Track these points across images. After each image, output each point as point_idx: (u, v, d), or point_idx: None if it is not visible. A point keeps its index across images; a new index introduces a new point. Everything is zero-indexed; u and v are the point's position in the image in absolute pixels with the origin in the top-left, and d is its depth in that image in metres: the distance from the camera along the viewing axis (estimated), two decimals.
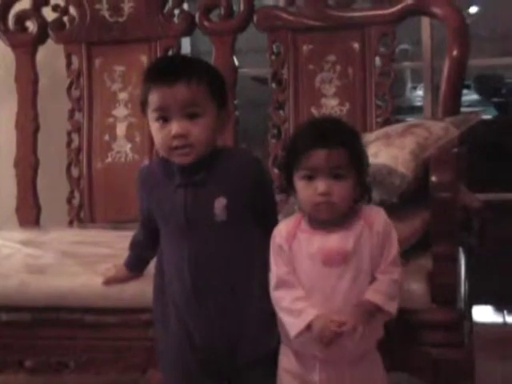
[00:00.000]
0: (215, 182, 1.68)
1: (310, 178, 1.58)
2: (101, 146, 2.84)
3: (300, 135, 1.67)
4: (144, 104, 1.70)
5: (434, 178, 1.79)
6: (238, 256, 1.71)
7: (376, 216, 1.64)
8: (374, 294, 1.59)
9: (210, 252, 1.70)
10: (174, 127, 1.63)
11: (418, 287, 1.82)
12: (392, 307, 1.61)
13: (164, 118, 1.65)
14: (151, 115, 1.68)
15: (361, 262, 1.60)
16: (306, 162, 1.58)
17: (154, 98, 1.65)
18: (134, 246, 1.95)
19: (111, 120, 2.84)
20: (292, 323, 1.62)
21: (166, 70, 1.66)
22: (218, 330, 1.72)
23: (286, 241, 1.64)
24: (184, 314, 1.74)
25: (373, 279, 1.61)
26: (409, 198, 1.94)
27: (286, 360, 1.70)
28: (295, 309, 1.61)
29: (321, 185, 1.57)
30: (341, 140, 1.59)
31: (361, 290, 1.59)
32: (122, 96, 2.83)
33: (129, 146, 2.80)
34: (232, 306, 1.72)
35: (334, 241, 1.60)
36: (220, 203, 1.67)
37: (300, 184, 1.61)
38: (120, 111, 2.82)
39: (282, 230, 1.66)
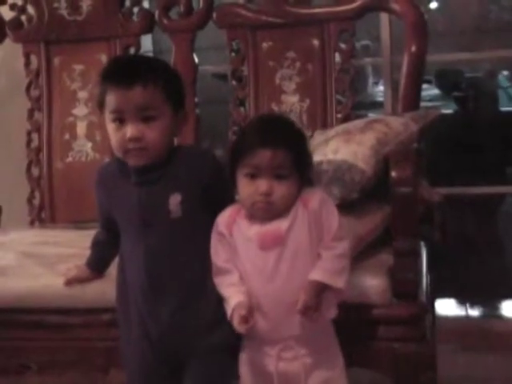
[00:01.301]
0: (169, 179, 1.68)
1: (252, 176, 1.60)
2: (61, 146, 2.81)
3: (247, 133, 1.68)
4: (101, 104, 1.70)
5: (393, 174, 1.79)
6: (194, 252, 1.70)
7: (312, 195, 1.65)
8: (318, 273, 1.60)
9: (166, 249, 1.69)
10: (129, 130, 1.63)
11: (379, 282, 1.82)
12: (339, 282, 1.61)
13: (120, 120, 1.65)
14: (108, 116, 1.67)
15: (298, 242, 1.61)
16: (249, 160, 1.59)
17: (110, 100, 1.65)
18: (96, 245, 1.93)
19: (71, 119, 2.81)
20: (226, 308, 1.65)
21: (123, 72, 1.65)
22: (173, 328, 1.72)
23: (226, 227, 1.66)
24: (142, 311, 1.74)
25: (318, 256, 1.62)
26: (369, 193, 1.94)
27: (245, 354, 1.71)
28: (227, 295, 1.65)
29: (262, 184, 1.58)
30: (286, 141, 1.60)
31: (303, 269, 1.60)
32: (82, 95, 2.80)
33: (89, 145, 2.78)
34: (188, 303, 1.71)
35: (270, 225, 1.62)
36: (175, 199, 1.67)
37: (242, 181, 1.62)
38: (80, 110, 2.80)
39: (222, 218, 1.68)
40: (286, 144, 1.59)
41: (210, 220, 1.70)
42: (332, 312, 1.66)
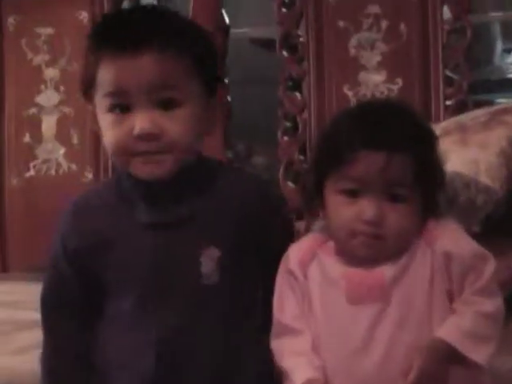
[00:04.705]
0: (203, 222, 1.65)
1: (352, 193, 1.56)
2: (17, 152, 2.88)
3: (342, 124, 1.61)
4: (89, 85, 1.65)
5: None
6: (233, 335, 1.68)
7: (441, 230, 1.60)
8: (447, 331, 1.55)
9: (190, 330, 1.65)
10: (140, 121, 1.57)
11: None
12: (479, 354, 1.55)
13: (122, 107, 1.60)
14: (101, 102, 1.62)
15: (410, 297, 1.57)
16: (349, 168, 1.54)
17: (105, 76, 1.60)
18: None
19: (33, 111, 2.87)
20: None
21: (126, 32, 1.60)
22: None
23: (300, 265, 1.63)
24: None
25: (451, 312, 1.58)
26: (498, 223, 1.96)
27: None
28: (291, 366, 1.60)
29: (368, 207, 1.54)
30: (407, 141, 1.56)
31: (412, 340, 1.55)
32: (51, 74, 2.85)
33: (62, 150, 2.83)
34: None
35: (370, 268, 1.58)
36: (210, 256, 1.63)
37: (335, 200, 1.58)
38: (47, 97, 2.86)
39: (296, 251, 1.65)
40: (408, 146, 1.55)
41: (257, 284, 1.69)
42: None
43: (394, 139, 1.52)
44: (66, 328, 1.71)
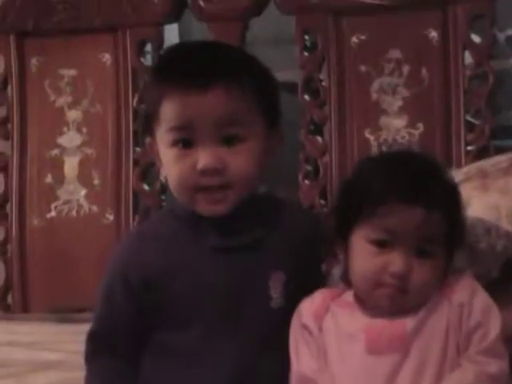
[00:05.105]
0: (269, 249, 1.65)
1: (382, 243, 1.55)
2: (39, 193, 2.88)
3: (373, 174, 1.60)
4: (150, 119, 1.66)
5: None
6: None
7: (459, 284, 1.61)
8: None
9: (264, 356, 1.64)
10: (204, 157, 1.57)
11: None
12: None
13: (185, 142, 1.60)
14: (164, 136, 1.62)
15: (427, 349, 1.56)
16: (384, 220, 1.53)
17: (170, 111, 1.60)
18: None
19: (56, 152, 2.88)
20: None
21: (194, 67, 1.60)
22: None
23: (314, 318, 1.61)
24: None
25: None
26: None
27: None
28: None
29: (398, 261, 1.53)
30: (444, 198, 1.56)
31: None
32: (73, 115, 2.86)
33: (83, 192, 2.84)
34: None
35: (390, 319, 1.57)
36: (278, 280, 1.65)
37: (363, 248, 1.57)
38: (69, 139, 2.86)
39: (309, 305, 1.64)
40: (444, 203, 1.56)
41: None
42: None
43: (433, 196, 1.52)
44: (114, 366, 1.69)
